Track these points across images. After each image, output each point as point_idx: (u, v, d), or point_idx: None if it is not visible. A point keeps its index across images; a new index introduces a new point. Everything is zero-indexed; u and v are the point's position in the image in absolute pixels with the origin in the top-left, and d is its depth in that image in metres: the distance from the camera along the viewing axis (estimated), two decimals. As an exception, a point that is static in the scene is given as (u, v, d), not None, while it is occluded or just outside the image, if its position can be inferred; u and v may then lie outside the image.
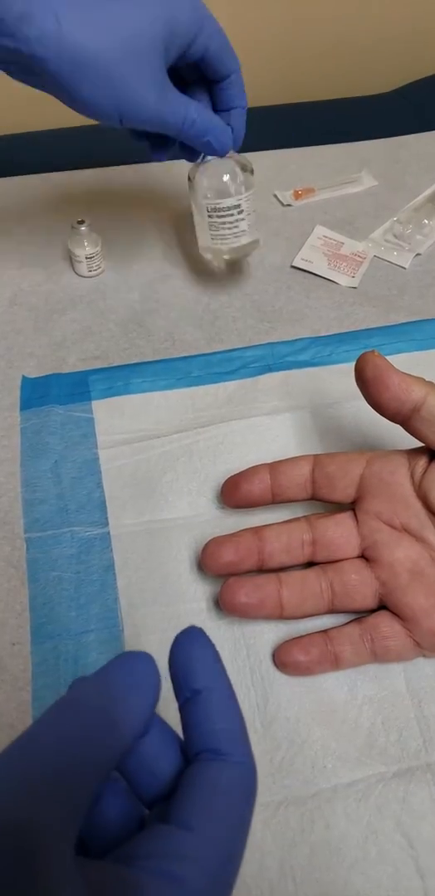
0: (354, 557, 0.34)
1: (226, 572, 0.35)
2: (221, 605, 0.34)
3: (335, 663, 0.33)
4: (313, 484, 0.36)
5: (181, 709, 0.24)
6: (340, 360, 0.47)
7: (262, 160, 0.59)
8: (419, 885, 0.29)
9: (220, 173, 0.47)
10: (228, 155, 0.45)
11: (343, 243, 0.56)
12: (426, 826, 0.30)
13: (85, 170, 0.63)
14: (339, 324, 0.50)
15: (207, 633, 0.25)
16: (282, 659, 0.33)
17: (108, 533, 0.39)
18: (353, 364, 0.33)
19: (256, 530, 0.35)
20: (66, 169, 0.63)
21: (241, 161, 0.47)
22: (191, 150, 0.45)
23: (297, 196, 0.61)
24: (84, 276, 0.54)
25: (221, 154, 0.44)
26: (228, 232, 0.47)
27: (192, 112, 0.40)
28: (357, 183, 0.62)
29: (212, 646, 0.25)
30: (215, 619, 0.36)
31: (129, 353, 0.48)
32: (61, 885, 0.18)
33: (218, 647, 0.25)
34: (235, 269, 0.54)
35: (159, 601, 0.36)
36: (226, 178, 0.47)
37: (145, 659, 0.23)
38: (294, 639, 0.34)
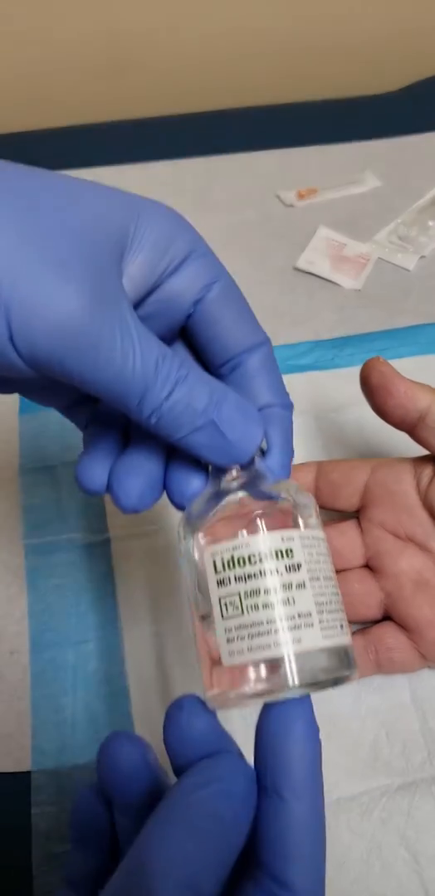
0: (357, 567, 0.34)
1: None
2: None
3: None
4: (316, 491, 0.35)
5: None
6: (343, 364, 0.46)
7: (264, 160, 0.58)
8: (424, 900, 0.29)
9: None
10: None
11: (346, 245, 0.56)
12: (431, 840, 0.30)
13: (85, 168, 0.63)
14: (342, 327, 0.49)
15: None
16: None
17: (108, 539, 0.38)
18: (356, 368, 0.33)
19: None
20: (66, 168, 0.63)
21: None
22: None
23: (300, 196, 0.60)
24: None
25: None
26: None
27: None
28: (361, 183, 0.62)
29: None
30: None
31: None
32: None
33: None
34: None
35: (159, 609, 0.36)
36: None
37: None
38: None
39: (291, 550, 0.22)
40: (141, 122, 0.68)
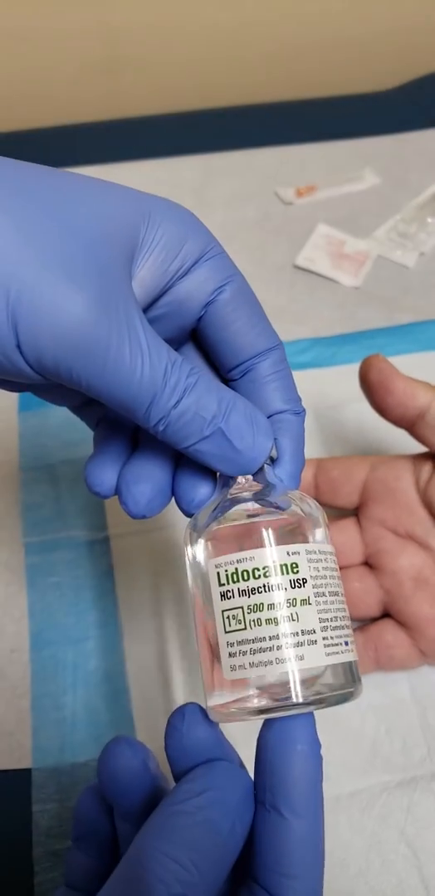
0: (357, 564, 0.34)
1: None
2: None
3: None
4: (316, 489, 0.35)
5: None
6: (342, 361, 0.46)
7: (263, 157, 0.58)
8: (424, 895, 0.29)
9: None
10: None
11: (346, 242, 0.56)
12: (431, 836, 0.30)
13: (86, 166, 0.63)
14: (341, 324, 0.49)
15: None
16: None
17: (108, 537, 0.38)
18: (356, 365, 0.33)
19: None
20: (64, 167, 0.63)
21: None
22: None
23: (299, 194, 0.60)
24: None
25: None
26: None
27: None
28: (360, 181, 0.62)
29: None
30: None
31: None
32: None
33: None
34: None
35: (160, 607, 0.36)
36: None
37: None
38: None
39: (297, 565, 0.21)
40: (139, 120, 0.68)
